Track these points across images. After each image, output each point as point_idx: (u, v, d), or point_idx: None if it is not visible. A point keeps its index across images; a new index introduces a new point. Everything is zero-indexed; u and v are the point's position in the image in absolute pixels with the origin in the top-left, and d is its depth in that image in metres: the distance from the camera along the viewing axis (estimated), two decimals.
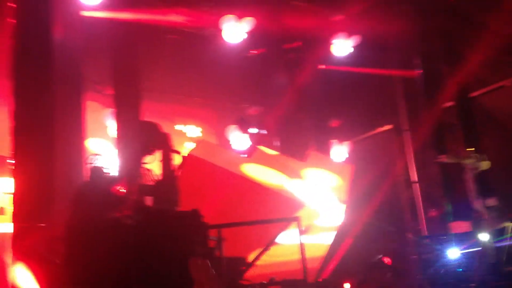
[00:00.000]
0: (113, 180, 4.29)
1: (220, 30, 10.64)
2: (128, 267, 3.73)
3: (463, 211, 9.74)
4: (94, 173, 4.27)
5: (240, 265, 6.15)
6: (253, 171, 8.12)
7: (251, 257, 6.29)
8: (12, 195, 6.83)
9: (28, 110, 6.86)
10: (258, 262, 5.84)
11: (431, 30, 11.68)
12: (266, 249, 5.62)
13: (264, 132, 9.90)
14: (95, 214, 4.01)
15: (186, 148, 10.75)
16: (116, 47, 8.51)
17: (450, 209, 9.79)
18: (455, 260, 8.84)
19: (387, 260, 8.96)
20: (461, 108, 11.43)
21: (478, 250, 8.58)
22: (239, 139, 10.92)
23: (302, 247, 5.49)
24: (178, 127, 12.20)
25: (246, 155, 8.94)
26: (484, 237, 8.56)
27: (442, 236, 9.71)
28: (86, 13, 8.31)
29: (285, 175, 8.26)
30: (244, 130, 10.04)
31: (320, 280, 8.16)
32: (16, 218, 6.51)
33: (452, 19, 11.46)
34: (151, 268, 3.78)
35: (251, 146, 9.70)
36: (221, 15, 10.63)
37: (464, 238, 9.16)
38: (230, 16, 10.40)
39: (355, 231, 9.33)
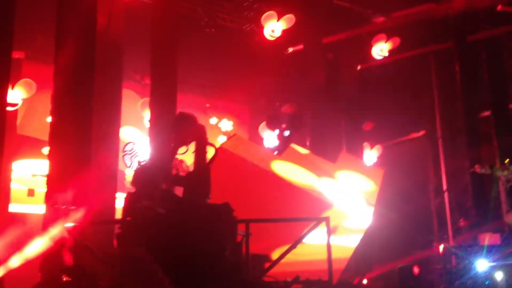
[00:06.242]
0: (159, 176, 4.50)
1: (260, 27, 10.66)
2: (161, 255, 3.80)
3: (493, 223, 9.56)
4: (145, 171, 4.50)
5: (264, 262, 6.14)
6: (283, 168, 8.09)
7: (275, 254, 6.26)
8: (45, 177, 6.98)
9: (67, 94, 7.00)
10: (283, 260, 5.82)
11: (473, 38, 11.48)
12: (292, 247, 5.58)
13: (292, 132, 9.84)
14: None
15: (219, 142, 10.83)
16: (155, 38, 8.61)
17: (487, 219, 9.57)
18: (483, 273, 8.64)
19: (417, 269, 8.74)
20: (499, 118, 11.18)
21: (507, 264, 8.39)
22: (270, 136, 10.93)
23: (329, 248, 5.42)
24: (212, 120, 12.30)
25: (277, 152, 8.91)
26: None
27: (470, 247, 9.51)
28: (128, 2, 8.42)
29: (315, 174, 8.22)
30: (274, 128, 10.02)
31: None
32: (48, 199, 6.64)
33: (496, 27, 11.24)
34: (183, 257, 3.83)
35: (282, 143, 9.67)
36: (261, 11, 10.64)
37: (494, 250, 8.96)
38: (271, 12, 10.39)
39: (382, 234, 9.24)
